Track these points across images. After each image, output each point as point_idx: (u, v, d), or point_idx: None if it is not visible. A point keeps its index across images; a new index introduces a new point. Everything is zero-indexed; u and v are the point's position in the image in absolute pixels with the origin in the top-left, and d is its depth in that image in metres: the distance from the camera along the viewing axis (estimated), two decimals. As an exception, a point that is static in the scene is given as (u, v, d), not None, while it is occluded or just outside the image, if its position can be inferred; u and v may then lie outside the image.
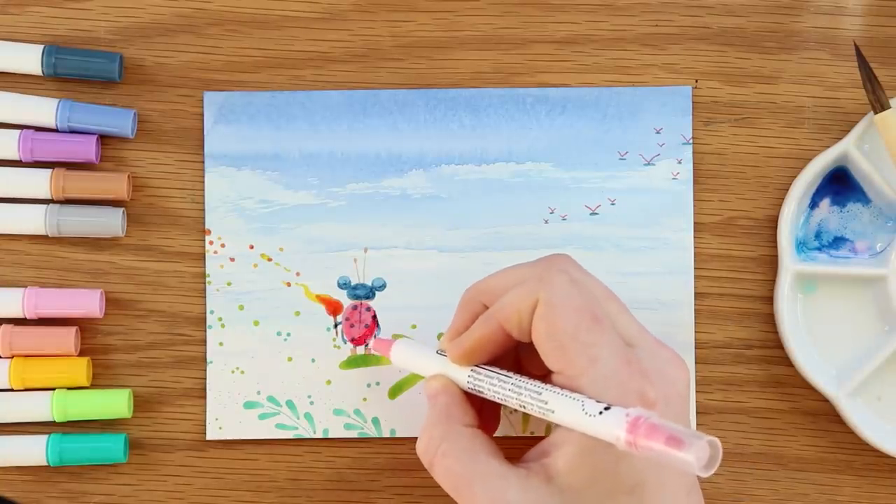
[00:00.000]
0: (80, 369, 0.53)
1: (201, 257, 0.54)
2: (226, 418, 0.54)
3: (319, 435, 0.54)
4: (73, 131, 0.53)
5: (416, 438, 0.48)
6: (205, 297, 0.54)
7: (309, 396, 0.54)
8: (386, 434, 0.54)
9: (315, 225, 0.54)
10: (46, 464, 0.53)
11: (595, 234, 0.54)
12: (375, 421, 0.54)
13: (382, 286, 0.54)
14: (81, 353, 0.54)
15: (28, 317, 0.53)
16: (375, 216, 0.54)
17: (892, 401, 0.54)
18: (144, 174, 0.54)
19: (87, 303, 0.53)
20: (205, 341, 0.54)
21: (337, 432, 0.54)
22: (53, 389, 0.53)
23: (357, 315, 0.54)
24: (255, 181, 0.54)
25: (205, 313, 0.54)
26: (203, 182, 0.54)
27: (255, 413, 0.54)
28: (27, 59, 0.53)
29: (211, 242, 0.54)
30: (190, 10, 0.54)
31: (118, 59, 0.53)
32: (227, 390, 0.54)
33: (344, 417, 0.54)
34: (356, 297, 0.54)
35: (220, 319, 0.54)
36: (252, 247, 0.54)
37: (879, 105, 0.52)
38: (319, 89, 0.54)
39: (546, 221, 0.54)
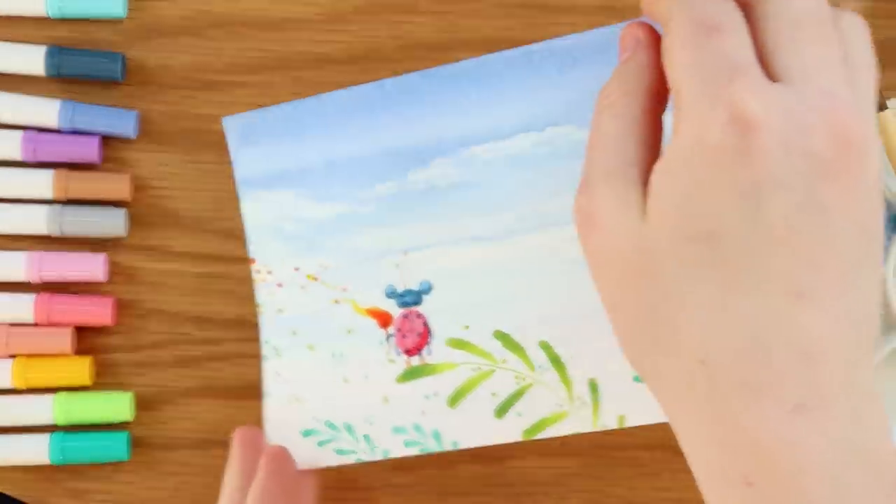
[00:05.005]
0: (82, 369, 0.53)
1: (202, 257, 0.54)
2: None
3: (379, 457, 0.51)
4: (75, 132, 0.53)
5: (481, 449, 0.48)
6: (207, 297, 0.54)
7: (367, 417, 0.51)
8: (447, 447, 0.51)
9: (351, 235, 0.51)
10: (49, 462, 0.53)
11: None
12: (436, 434, 0.51)
13: (428, 289, 0.51)
14: (84, 353, 0.54)
15: (32, 281, 0.53)
16: (407, 215, 0.51)
17: (890, 400, 0.54)
18: (146, 175, 0.54)
19: (91, 267, 0.53)
20: (204, 341, 0.54)
21: (397, 451, 0.51)
22: (56, 390, 0.53)
23: (408, 324, 0.51)
24: (287, 200, 0.51)
25: (205, 313, 0.54)
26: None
27: (313, 441, 0.51)
28: (30, 59, 0.53)
29: (258, 271, 0.51)
30: (192, 12, 0.54)
31: (121, 59, 0.53)
32: (286, 421, 0.51)
33: (403, 435, 0.51)
34: (405, 304, 0.51)
35: (276, 349, 0.51)
36: (297, 269, 0.51)
37: (878, 105, 0.52)
38: (322, 90, 0.54)
39: None
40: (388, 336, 0.51)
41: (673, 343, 0.36)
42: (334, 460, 0.51)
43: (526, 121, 0.49)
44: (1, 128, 0.53)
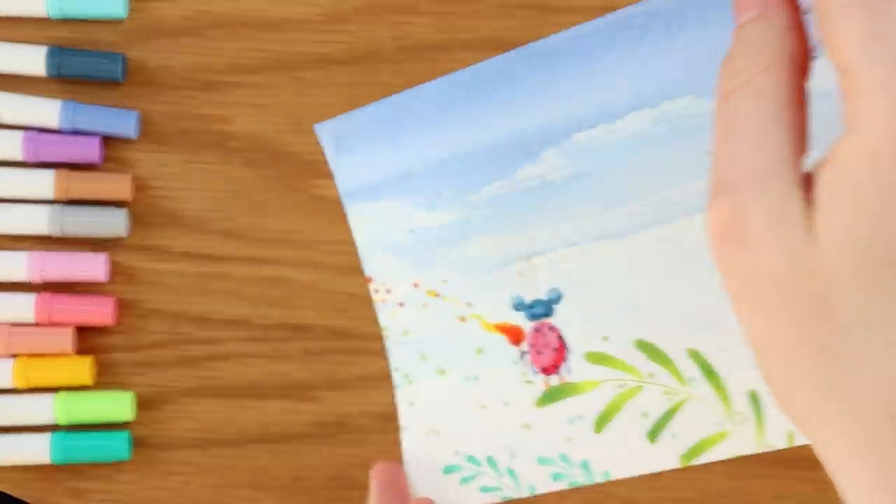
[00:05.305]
0: (83, 368, 0.53)
1: (202, 257, 0.54)
2: (426, 489, 0.48)
3: (526, 493, 0.46)
4: (76, 132, 0.53)
5: (633, 479, 0.43)
6: (208, 297, 0.54)
7: (509, 448, 0.46)
8: (598, 479, 0.46)
9: (467, 244, 0.46)
10: (50, 462, 0.53)
11: None
12: (585, 465, 0.46)
13: (558, 297, 0.46)
14: (85, 353, 0.54)
15: (33, 280, 0.53)
16: (523, 216, 0.46)
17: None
18: (147, 175, 0.54)
19: (92, 267, 0.53)
20: (204, 341, 0.54)
21: (544, 486, 0.46)
22: (57, 389, 0.53)
23: (542, 339, 0.46)
24: (394, 209, 0.46)
25: (206, 312, 0.54)
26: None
27: (455, 478, 0.47)
28: (31, 60, 0.53)
29: (377, 291, 0.47)
30: (192, 13, 0.54)
31: (121, 59, 0.53)
32: (425, 457, 0.47)
33: (550, 466, 0.46)
34: (535, 316, 0.46)
35: (407, 376, 0.47)
36: (416, 285, 0.47)
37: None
38: (323, 91, 0.53)
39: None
40: (522, 354, 0.46)
41: (850, 390, 0.30)
42: (479, 499, 0.47)
43: (637, 97, 0.44)
44: (2, 128, 0.53)
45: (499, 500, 0.46)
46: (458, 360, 0.46)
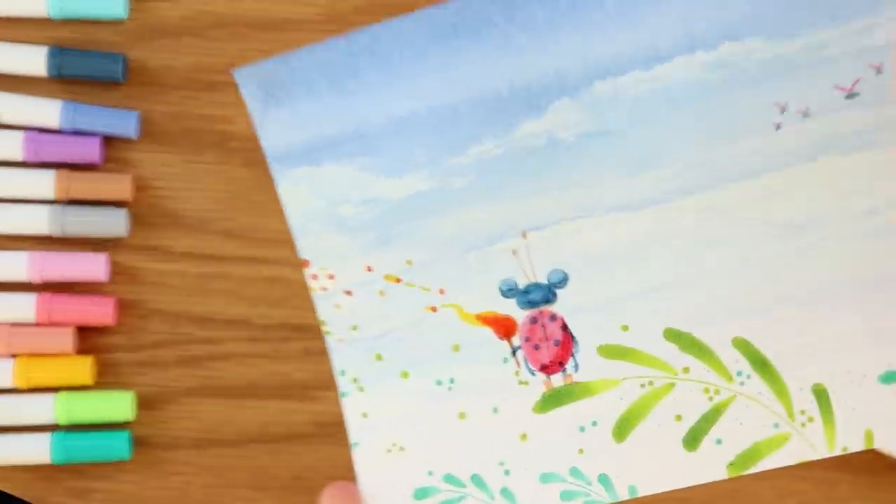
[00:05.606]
0: (83, 368, 0.53)
1: (203, 257, 0.54)
2: None
3: None
4: (77, 132, 0.53)
5: (667, 495, 0.38)
6: (208, 297, 0.54)
7: (501, 463, 0.39)
8: (624, 496, 0.39)
9: (443, 217, 0.38)
10: (50, 461, 0.53)
11: (860, 127, 0.35)
12: (603, 479, 0.39)
13: (563, 280, 0.39)
14: (85, 353, 0.54)
15: (34, 280, 0.53)
16: (520, 183, 0.38)
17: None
18: (147, 175, 0.54)
19: (93, 267, 0.53)
20: (205, 341, 0.54)
21: None
22: (57, 389, 0.54)
23: (540, 330, 0.39)
24: (344, 175, 0.38)
25: (206, 312, 0.54)
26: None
27: (432, 503, 0.40)
28: (32, 60, 0.53)
29: (315, 277, 0.40)
30: (193, 13, 0.54)
31: (121, 59, 0.53)
32: (386, 478, 0.40)
33: (558, 483, 0.39)
34: (531, 304, 0.39)
35: (356, 381, 0.40)
36: (370, 268, 0.39)
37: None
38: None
39: (778, 126, 0.36)
40: (515, 349, 0.39)
41: None
42: None
43: (688, 36, 0.36)
44: (3, 128, 0.53)
45: None
46: (427, 360, 0.39)
